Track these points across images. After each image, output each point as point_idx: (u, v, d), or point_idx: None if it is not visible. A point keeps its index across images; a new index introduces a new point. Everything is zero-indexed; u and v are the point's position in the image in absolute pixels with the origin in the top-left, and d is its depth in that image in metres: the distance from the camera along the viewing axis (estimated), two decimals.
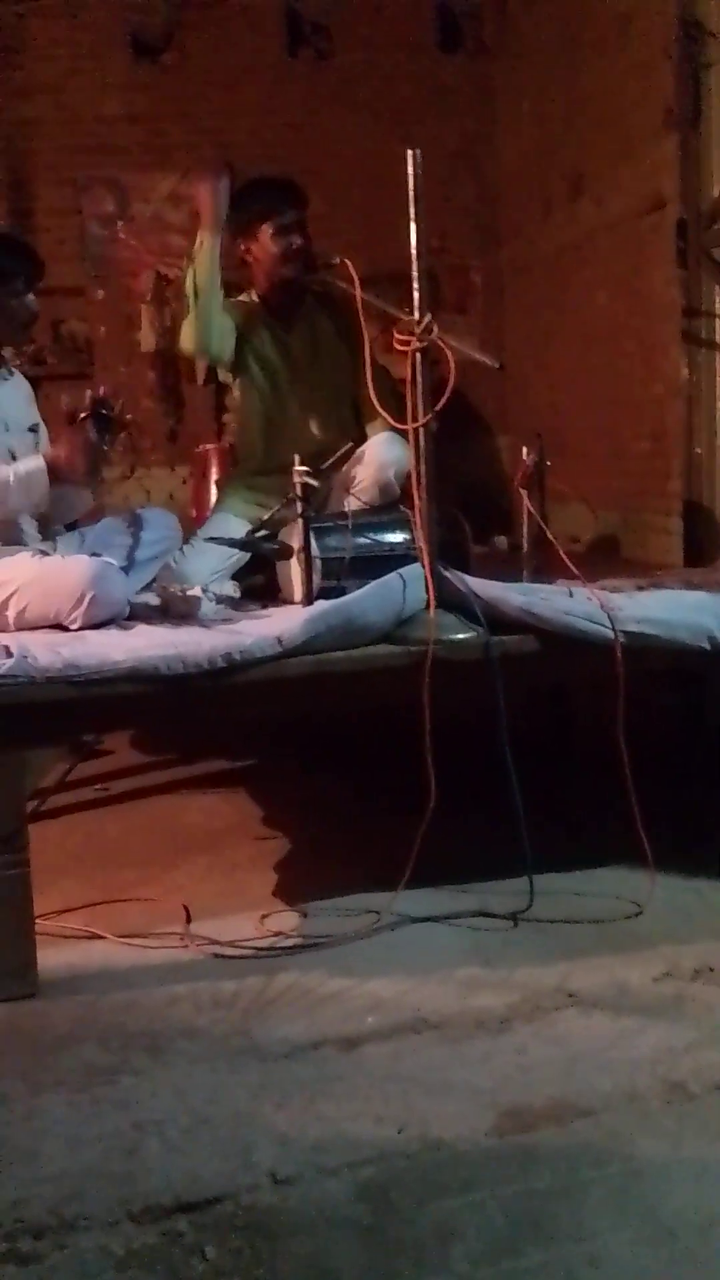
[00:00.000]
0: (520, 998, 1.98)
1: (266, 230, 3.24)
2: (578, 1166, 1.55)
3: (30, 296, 2.83)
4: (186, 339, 3.34)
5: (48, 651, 2.13)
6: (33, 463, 2.67)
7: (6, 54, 6.10)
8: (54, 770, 3.19)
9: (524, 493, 2.75)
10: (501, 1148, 1.59)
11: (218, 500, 3.67)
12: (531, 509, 2.74)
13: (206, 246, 3.17)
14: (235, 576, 3.07)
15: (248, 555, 3.00)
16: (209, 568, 3.02)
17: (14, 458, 2.77)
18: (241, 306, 3.41)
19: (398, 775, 2.35)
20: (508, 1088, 1.72)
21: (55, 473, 2.67)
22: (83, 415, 2.65)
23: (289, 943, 2.23)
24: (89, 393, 2.71)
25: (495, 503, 5.89)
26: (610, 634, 2.28)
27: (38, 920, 2.13)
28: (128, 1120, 1.68)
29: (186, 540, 3.23)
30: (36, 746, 2.17)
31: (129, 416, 2.72)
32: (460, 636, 2.29)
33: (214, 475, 4.50)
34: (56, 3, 5.99)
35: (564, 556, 2.55)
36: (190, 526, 3.49)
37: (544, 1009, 1.94)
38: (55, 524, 2.91)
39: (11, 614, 2.56)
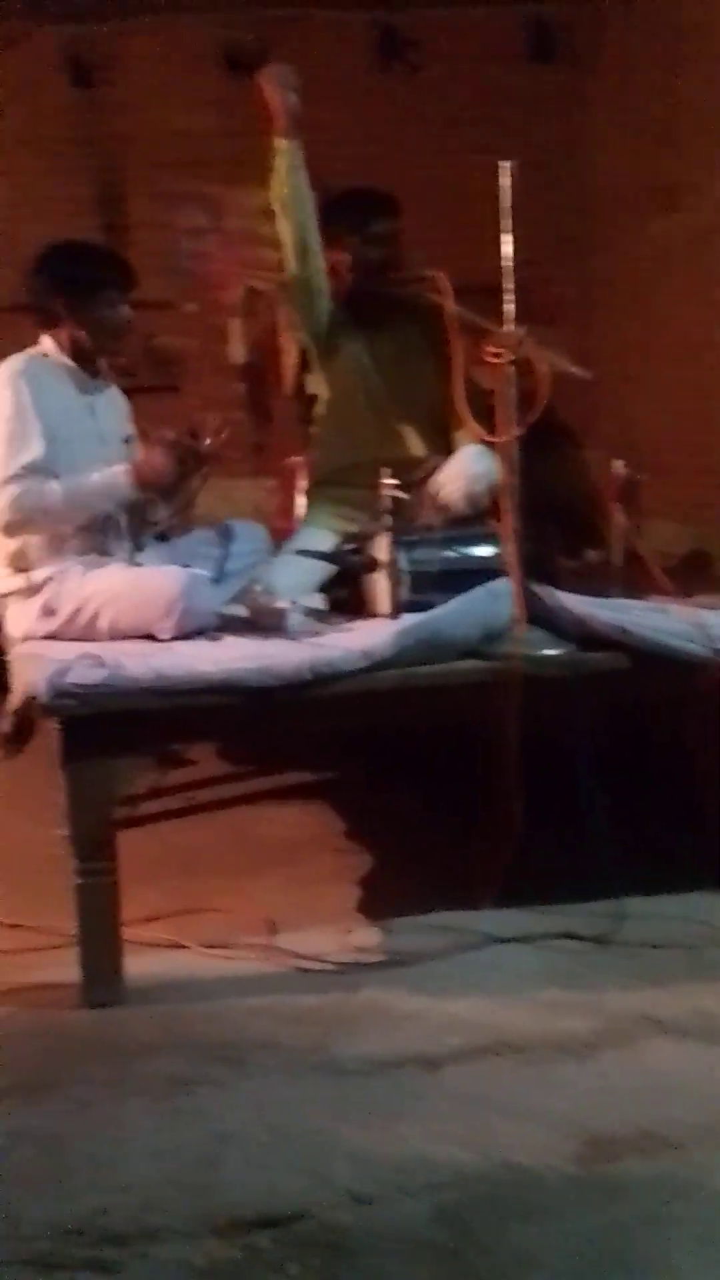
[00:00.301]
0: (605, 1023, 1.94)
1: (356, 239, 3.25)
2: (663, 1199, 1.51)
3: (124, 306, 2.88)
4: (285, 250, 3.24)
5: (138, 662, 2.16)
6: (116, 469, 2.73)
7: (101, 71, 6.23)
8: (141, 779, 3.22)
9: (616, 506, 2.71)
10: (585, 1177, 1.56)
11: (305, 511, 3.69)
12: (623, 523, 2.70)
13: (285, 146, 3.13)
14: (321, 589, 3.08)
15: (335, 568, 3.00)
16: (296, 580, 3.03)
17: (108, 465, 2.82)
18: (333, 315, 3.42)
19: (482, 792, 2.32)
20: (591, 1116, 1.68)
21: (137, 477, 2.72)
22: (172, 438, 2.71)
23: (371, 959, 2.21)
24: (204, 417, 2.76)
25: (583, 516, 5.84)
26: (705, 653, 2.23)
27: (122, 928, 2.14)
28: (208, 1132, 1.68)
29: (274, 552, 3.25)
30: (126, 755, 2.18)
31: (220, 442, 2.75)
32: (549, 653, 2.27)
33: (302, 486, 4.51)
34: (151, 22, 6.11)
35: (657, 572, 2.50)
36: (276, 539, 3.51)
37: (629, 1036, 1.90)
38: (143, 533, 2.95)
39: (104, 623, 2.61)
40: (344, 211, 3.28)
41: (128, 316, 2.91)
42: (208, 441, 2.77)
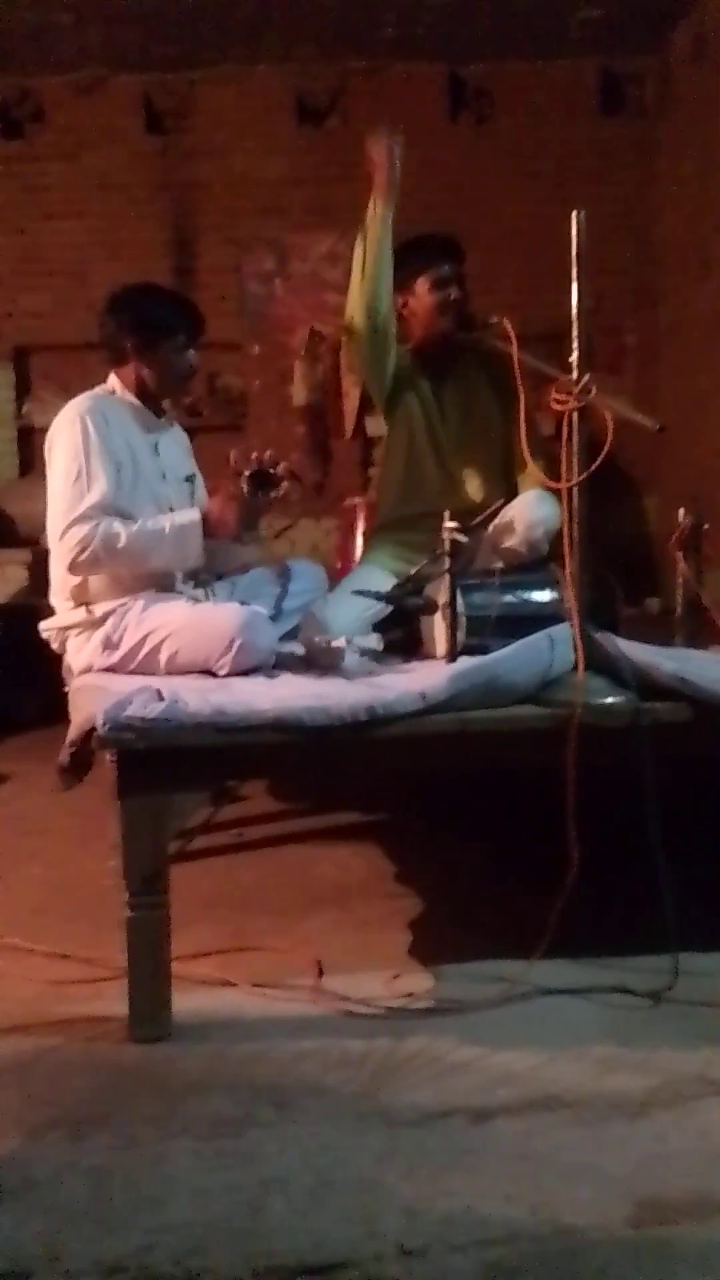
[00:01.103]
0: (660, 1082, 1.89)
1: (424, 283, 3.29)
2: (717, 1265, 1.46)
3: (191, 352, 2.92)
4: (354, 306, 3.23)
5: (197, 697, 2.17)
6: (188, 516, 2.75)
7: (177, 119, 6.39)
8: (195, 814, 3.24)
9: (679, 555, 2.69)
10: (637, 1240, 1.52)
11: (364, 552, 3.70)
12: (686, 572, 2.67)
13: (380, 212, 3.16)
14: (376, 629, 3.08)
15: (386, 607, 3.01)
16: (349, 617, 3.04)
17: (171, 508, 2.85)
18: (399, 362, 3.46)
19: (537, 841, 2.29)
20: (645, 1177, 1.64)
21: (209, 527, 2.73)
22: (247, 473, 2.72)
23: (419, 1005, 2.18)
24: (254, 454, 2.78)
25: (645, 564, 5.81)
26: None
27: (171, 963, 2.14)
28: (253, 1175, 1.66)
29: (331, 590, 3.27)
30: (182, 790, 2.19)
31: (285, 483, 2.76)
32: (609, 701, 2.24)
33: (360, 528, 4.54)
34: (226, 71, 6.26)
35: (719, 622, 2.47)
36: (335, 579, 3.53)
37: (685, 1096, 1.85)
38: (207, 574, 2.98)
39: (164, 657, 2.63)
40: (414, 257, 3.32)
41: (194, 362, 2.95)
42: (277, 470, 2.77)
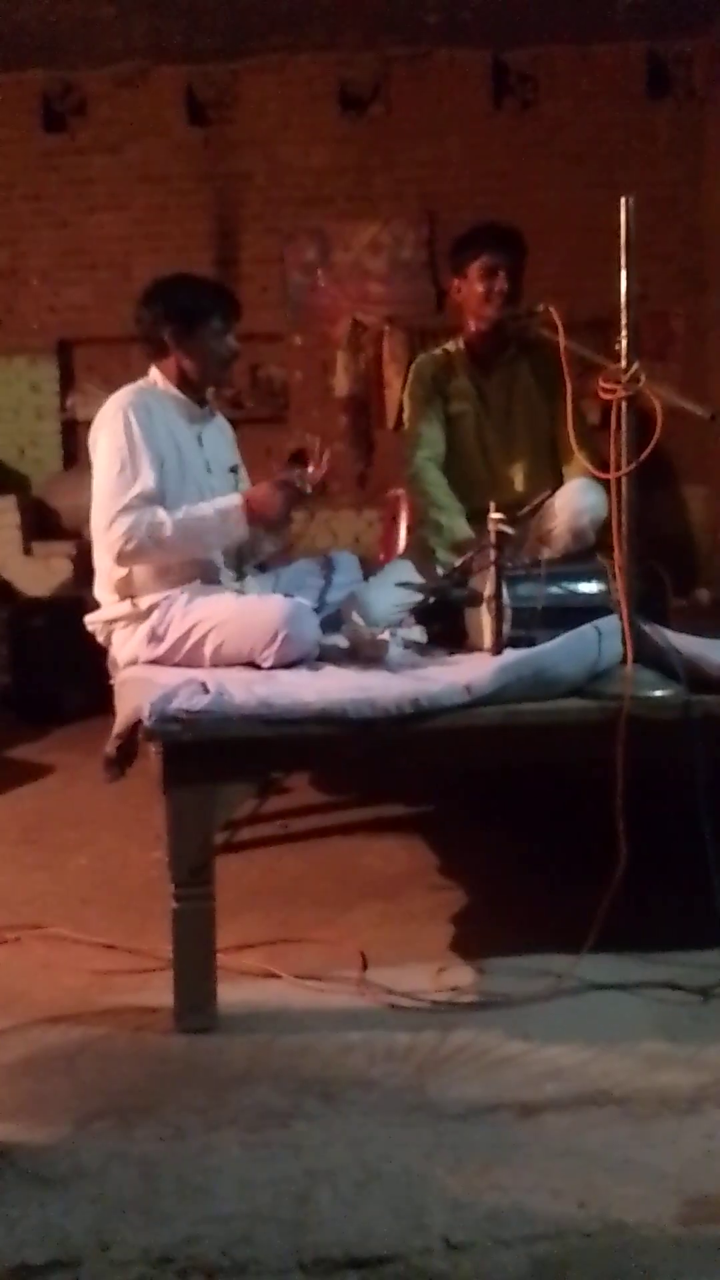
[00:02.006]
0: (710, 1079, 1.87)
1: (475, 270, 3.27)
2: None
3: (230, 336, 2.91)
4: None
5: (243, 689, 2.17)
6: (231, 500, 2.75)
7: (219, 109, 6.39)
8: (241, 805, 3.24)
9: None
10: (687, 1237, 1.50)
11: (408, 544, 3.69)
12: None
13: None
14: (421, 622, 3.06)
15: (423, 596, 2.99)
16: (387, 604, 3.02)
17: (215, 494, 2.86)
18: (442, 356, 3.45)
19: (585, 834, 2.28)
20: (695, 1174, 1.62)
21: (251, 513, 2.74)
22: (292, 453, 2.73)
23: (466, 999, 2.18)
24: (307, 435, 2.78)
25: (694, 555, 5.74)
26: None
27: (217, 954, 2.15)
28: (300, 1167, 1.66)
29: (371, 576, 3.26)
30: (228, 782, 2.19)
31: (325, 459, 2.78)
32: (658, 694, 2.21)
33: (403, 520, 4.52)
34: (268, 60, 6.25)
35: None
36: (376, 571, 3.51)
37: None
38: (246, 563, 2.98)
39: (209, 650, 2.63)
40: (472, 243, 3.30)
41: (234, 347, 2.95)
42: (311, 470, 2.80)
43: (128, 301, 4.45)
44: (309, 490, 2.76)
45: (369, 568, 3.40)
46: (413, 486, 3.46)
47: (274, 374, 6.49)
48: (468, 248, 3.31)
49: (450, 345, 3.49)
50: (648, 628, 2.30)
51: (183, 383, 2.92)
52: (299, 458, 2.79)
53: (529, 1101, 1.81)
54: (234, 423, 3.28)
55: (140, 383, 2.93)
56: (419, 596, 2.98)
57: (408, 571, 3.24)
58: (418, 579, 3.08)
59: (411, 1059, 1.96)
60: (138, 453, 2.73)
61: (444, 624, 2.99)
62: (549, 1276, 1.43)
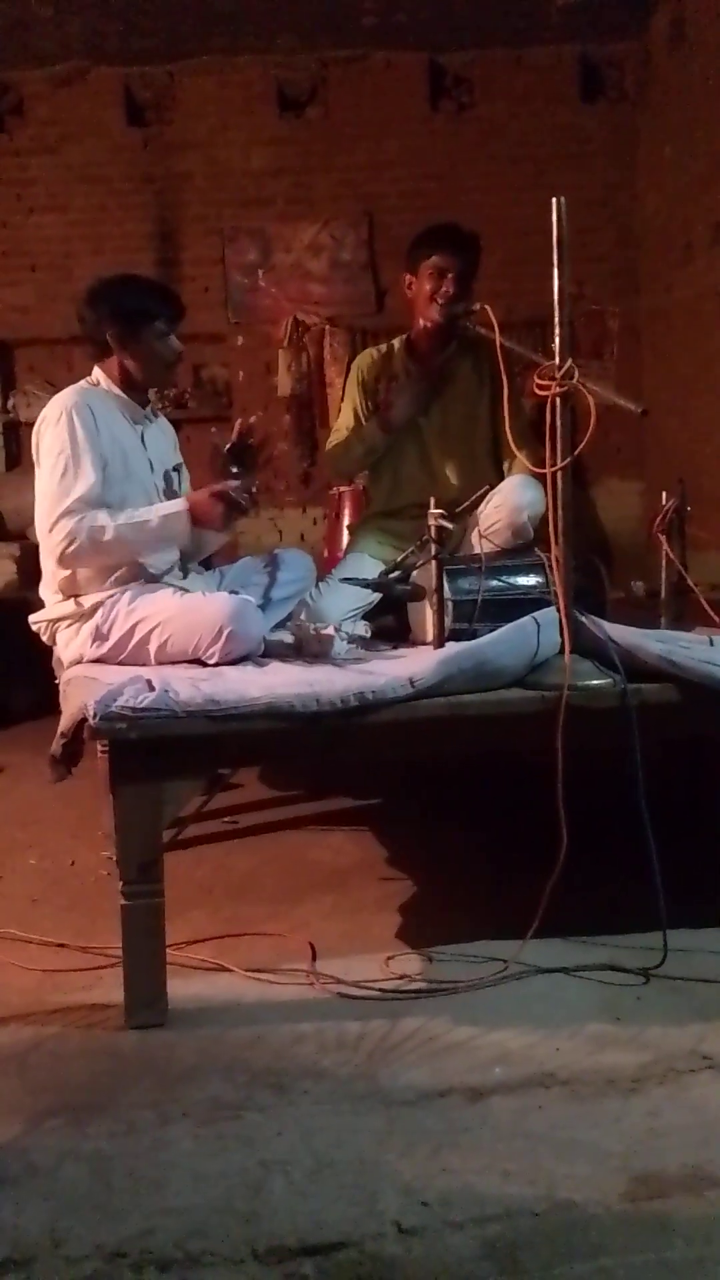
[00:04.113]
0: (652, 1058, 1.91)
1: (426, 269, 3.31)
2: (713, 1239, 1.48)
3: (173, 338, 2.92)
4: (334, 460, 3.57)
5: (188, 686, 2.18)
6: (174, 506, 2.76)
7: (158, 111, 6.37)
8: (189, 802, 3.25)
9: (662, 538, 2.71)
10: (633, 1214, 1.53)
11: (351, 541, 3.72)
12: (670, 555, 2.69)
13: (380, 436, 3.41)
14: (366, 617, 3.10)
15: (379, 596, 3.02)
16: (343, 607, 3.06)
17: (162, 499, 2.87)
18: (383, 353, 3.49)
19: (527, 823, 2.31)
20: (640, 1152, 1.66)
21: (194, 518, 2.74)
22: (227, 447, 2.74)
23: (414, 987, 2.20)
24: (239, 421, 2.80)
25: (629, 548, 5.83)
26: None
27: (167, 950, 2.15)
28: (253, 1158, 1.67)
29: (320, 580, 3.28)
30: (175, 779, 2.20)
31: (271, 446, 2.80)
32: (596, 683, 2.25)
33: (347, 517, 4.55)
34: (206, 62, 6.24)
35: (705, 604, 2.49)
36: (323, 567, 3.54)
37: (677, 1071, 1.87)
38: (190, 560, 2.99)
39: (153, 647, 2.64)
40: (427, 242, 3.34)
41: (178, 349, 2.95)
42: (257, 438, 2.81)
43: (69, 302, 4.43)
44: (246, 502, 2.77)
45: (317, 567, 3.42)
46: (329, 466, 3.70)
47: (217, 374, 6.49)
48: (422, 246, 3.35)
49: (395, 342, 3.52)
50: (585, 619, 2.34)
51: (126, 383, 2.91)
52: (239, 453, 2.79)
53: (477, 1085, 1.84)
54: (177, 423, 3.29)
55: (83, 383, 2.92)
56: (370, 595, 3.01)
57: (354, 568, 3.26)
58: (364, 574, 3.10)
59: (362, 1047, 1.98)
60: (80, 454, 2.72)
61: (389, 618, 3.03)
62: (500, 1256, 1.46)
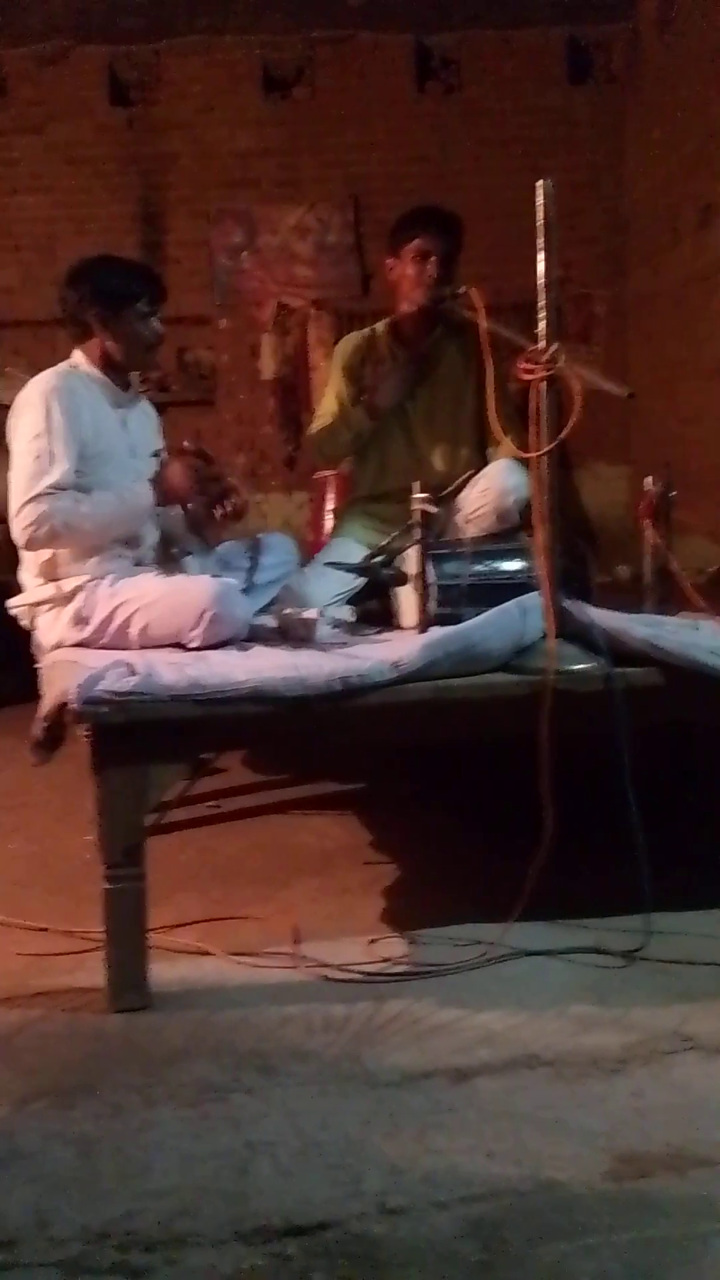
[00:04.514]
0: (636, 1039, 1.92)
1: (409, 251, 3.30)
2: (696, 1218, 1.49)
3: (155, 319, 2.90)
4: (320, 443, 3.55)
5: (172, 670, 2.17)
6: (139, 487, 2.76)
7: (143, 91, 6.32)
8: (173, 786, 3.24)
9: (647, 523, 2.71)
10: (617, 1193, 1.55)
11: (336, 525, 3.71)
12: (655, 540, 2.69)
13: (367, 421, 3.41)
14: (351, 601, 3.09)
15: (364, 581, 3.02)
16: (328, 592, 3.05)
17: (140, 478, 2.85)
18: (367, 336, 3.47)
19: (513, 806, 2.32)
20: (624, 1132, 1.67)
21: (159, 490, 2.75)
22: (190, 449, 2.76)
23: (399, 969, 2.21)
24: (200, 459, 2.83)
25: (615, 533, 5.83)
26: None
27: (151, 934, 2.15)
28: (239, 1139, 1.68)
29: (304, 565, 3.27)
30: (159, 763, 2.20)
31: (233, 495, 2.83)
32: (581, 667, 2.26)
33: (331, 502, 4.54)
34: (191, 41, 6.19)
35: (689, 589, 2.50)
36: (307, 551, 3.53)
37: (661, 1052, 1.89)
38: (178, 550, 2.98)
39: (135, 631, 2.63)
40: (409, 225, 3.33)
41: (159, 331, 2.93)
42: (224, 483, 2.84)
43: (52, 284, 4.38)
44: (220, 477, 2.78)
45: (302, 551, 3.42)
46: (314, 450, 3.67)
47: (201, 357, 6.46)
48: (405, 229, 3.34)
49: (378, 325, 3.51)
50: (570, 603, 2.35)
51: (107, 366, 2.89)
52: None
53: (462, 1067, 1.85)
54: (161, 406, 3.27)
55: (64, 365, 2.89)
56: (355, 580, 3.01)
57: (339, 552, 3.26)
58: (349, 558, 3.10)
59: (347, 1029, 1.98)
60: (56, 441, 2.69)
61: (374, 603, 3.03)
62: (485, 1235, 1.47)
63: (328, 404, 3.54)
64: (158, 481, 2.77)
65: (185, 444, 2.91)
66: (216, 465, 2.89)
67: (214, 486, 2.83)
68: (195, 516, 2.87)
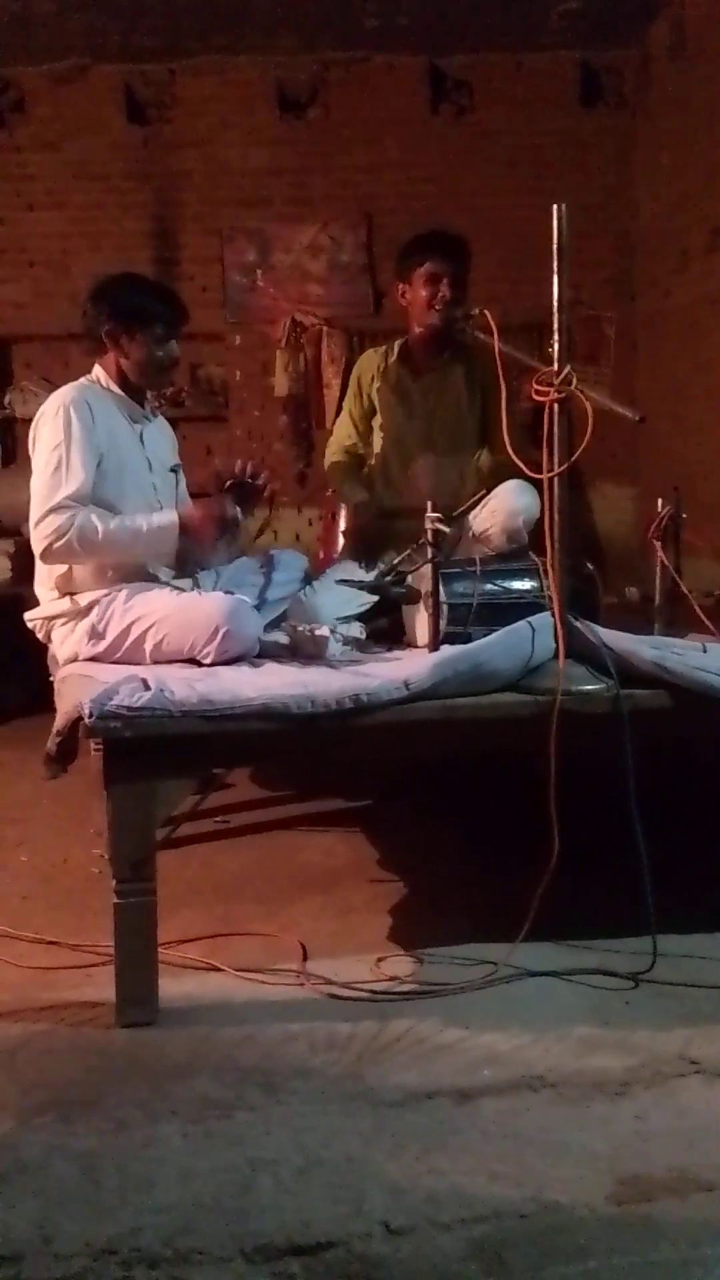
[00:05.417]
0: (640, 1062, 1.92)
1: (420, 276, 3.33)
2: (699, 1241, 1.49)
3: (172, 343, 2.92)
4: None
5: (183, 686, 2.18)
6: (167, 518, 2.75)
7: (158, 109, 6.37)
8: (182, 801, 3.25)
9: (657, 544, 2.72)
10: (619, 1216, 1.55)
11: (346, 543, 3.73)
12: (665, 561, 2.70)
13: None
14: (361, 619, 3.10)
15: (374, 598, 3.03)
16: (337, 606, 3.06)
17: (158, 499, 2.87)
18: (379, 355, 3.50)
19: (519, 826, 2.32)
20: (626, 1155, 1.67)
21: (186, 534, 2.74)
22: (228, 483, 2.74)
23: (404, 988, 2.21)
24: (240, 462, 2.80)
25: (622, 554, 5.84)
26: None
27: (158, 949, 2.16)
28: (242, 1156, 1.68)
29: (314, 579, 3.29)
30: (169, 778, 2.21)
31: (274, 487, 2.81)
32: (589, 688, 2.26)
33: (343, 518, 4.55)
34: (207, 61, 6.24)
35: (699, 611, 2.50)
36: (318, 568, 3.55)
37: (664, 1075, 1.89)
38: (189, 569, 2.99)
39: (149, 646, 2.64)
40: (417, 250, 3.36)
41: (174, 354, 2.94)
42: (263, 481, 2.83)
43: (67, 299, 4.43)
44: (250, 513, 2.79)
45: (314, 567, 3.44)
46: (330, 479, 3.76)
47: (214, 373, 6.49)
48: (413, 254, 3.37)
49: (398, 343, 3.55)
50: (579, 624, 2.36)
51: (124, 381, 2.92)
52: (242, 490, 2.81)
53: (466, 1087, 1.85)
54: (173, 422, 3.29)
55: (83, 380, 2.92)
56: (365, 598, 3.02)
57: (350, 571, 3.27)
58: (360, 576, 3.11)
59: (351, 1048, 1.98)
60: (75, 451, 2.72)
61: (384, 621, 3.04)
62: (487, 1257, 1.47)
63: (343, 426, 3.57)
64: (185, 524, 2.75)
65: (217, 463, 2.92)
66: (253, 468, 2.86)
67: (242, 523, 2.83)
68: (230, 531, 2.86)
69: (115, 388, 2.91)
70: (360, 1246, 1.49)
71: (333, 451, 3.66)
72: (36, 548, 2.71)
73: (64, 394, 2.81)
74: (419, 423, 3.45)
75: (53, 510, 2.67)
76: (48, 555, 2.71)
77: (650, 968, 2.21)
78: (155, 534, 2.72)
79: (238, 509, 2.78)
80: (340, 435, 3.60)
